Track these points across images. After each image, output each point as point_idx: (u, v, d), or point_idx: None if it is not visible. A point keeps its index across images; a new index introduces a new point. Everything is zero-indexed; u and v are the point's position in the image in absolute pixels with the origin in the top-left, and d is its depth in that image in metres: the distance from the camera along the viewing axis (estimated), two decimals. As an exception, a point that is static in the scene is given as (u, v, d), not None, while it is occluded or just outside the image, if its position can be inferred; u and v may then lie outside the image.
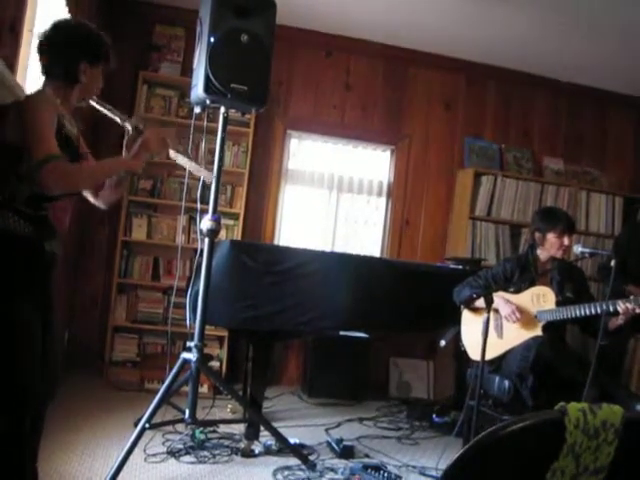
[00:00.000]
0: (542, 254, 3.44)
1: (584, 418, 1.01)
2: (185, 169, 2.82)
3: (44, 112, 1.94)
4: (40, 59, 2.08)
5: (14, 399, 1.88)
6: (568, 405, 1.02)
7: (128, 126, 2.29)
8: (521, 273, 3.42)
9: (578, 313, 3.05)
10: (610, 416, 1.02)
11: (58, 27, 2.10)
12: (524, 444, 1.01)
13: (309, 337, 4.52)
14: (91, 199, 2.31)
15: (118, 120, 2.30)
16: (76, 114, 2.19)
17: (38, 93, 2.05)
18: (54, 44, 2.07)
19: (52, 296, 2.09)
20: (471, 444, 1.03)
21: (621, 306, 2.92)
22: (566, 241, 3.34)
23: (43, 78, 2.09)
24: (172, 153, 2.36)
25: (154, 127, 2.37)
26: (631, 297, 2.97)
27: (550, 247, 3.38)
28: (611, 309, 2.95)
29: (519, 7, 4.10)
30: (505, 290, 3.38)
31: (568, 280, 3.39)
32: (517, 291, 3.36)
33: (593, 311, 3.00)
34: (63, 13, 3.31)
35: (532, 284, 3.36)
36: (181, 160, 2.46)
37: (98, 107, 2.27)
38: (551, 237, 3.36)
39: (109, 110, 2.29)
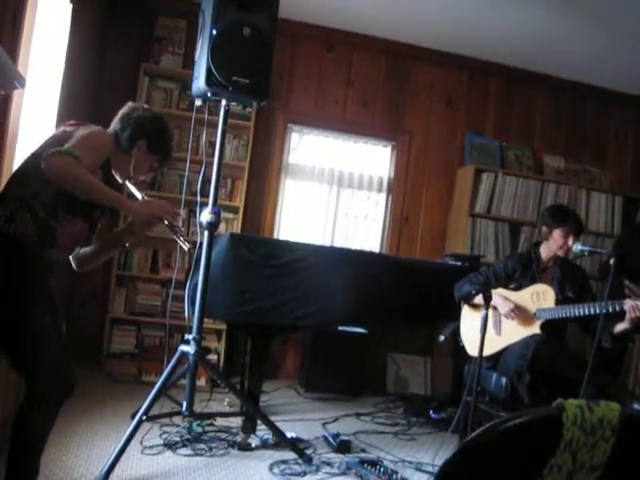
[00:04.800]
0: (545, 252, 3.43)
1: (581, 415, 1.01)
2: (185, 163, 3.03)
3: (103, 141, 2.21)
4: (118, 121, 2.37)
5: (52, 389, 1.95)
6: (566, 402, 1.02)
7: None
8: (523, 270, 3.41)
9: (577, 312, 3.04)
10: (607, 413, 1.02)
11: (145, 110, 2.42)
12: (521, 440, 1.01)
13: (307, 331, 4.52)
14: (71, 257, 2.40)
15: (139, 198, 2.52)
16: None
17: (111, 135, 2.33)
18: (132, 114, 2.36)
19: (53, 299, 2.12)
20: (468, 440, 1.03)
21: (628, 304, 2.90)
22: (570, 241, 3.33)
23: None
24: (167, 222, 2.53)
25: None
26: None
27: (553, 244, 3.37)
28: (610, 309, 2.93)
29: (521, 4, 4.09)
30: (506, 287, 3.38)
31: (569, 279, 3.38)
32: (518, 288, 3.36)
33: (592, 311, 2.97)
34: (64, 3, 3.30)
35: (533, 281, 3.35)
36: (169, 228, 2.60)
37: (131, 188, 2.51)
38: (557, 234, 3.36)
39: (140, 193, 2.53)
